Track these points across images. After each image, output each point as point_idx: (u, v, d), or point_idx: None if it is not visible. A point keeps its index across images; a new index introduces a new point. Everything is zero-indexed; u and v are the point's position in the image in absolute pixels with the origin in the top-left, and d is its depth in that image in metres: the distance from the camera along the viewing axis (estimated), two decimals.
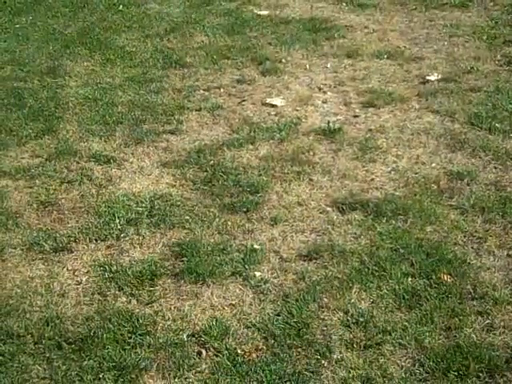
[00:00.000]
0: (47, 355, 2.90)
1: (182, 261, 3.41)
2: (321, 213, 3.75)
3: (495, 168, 4.08)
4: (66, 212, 3.86)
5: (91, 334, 2.98)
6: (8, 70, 5.87)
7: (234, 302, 3.15)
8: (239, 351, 2.87)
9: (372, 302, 3.09)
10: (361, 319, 3.00)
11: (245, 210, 3.78)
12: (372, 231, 3.55)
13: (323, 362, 2.81)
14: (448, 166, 4.11)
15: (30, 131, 4.77)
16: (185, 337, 2.96)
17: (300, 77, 5.47)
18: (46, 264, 3.46)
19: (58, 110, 5.08)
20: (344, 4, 7.12)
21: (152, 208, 3.83)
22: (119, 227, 3.68)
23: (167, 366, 2.83)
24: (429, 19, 6.56)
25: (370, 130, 4.59)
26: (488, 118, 4.57)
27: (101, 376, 2.79)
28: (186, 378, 2.79)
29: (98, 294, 3.24)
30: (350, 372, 2.76)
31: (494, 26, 6.25)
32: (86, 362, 2.85)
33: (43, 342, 2.96)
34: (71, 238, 3.61)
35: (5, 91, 5.41)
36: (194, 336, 2.97)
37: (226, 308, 3.12)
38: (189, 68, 5.74)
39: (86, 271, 3.40)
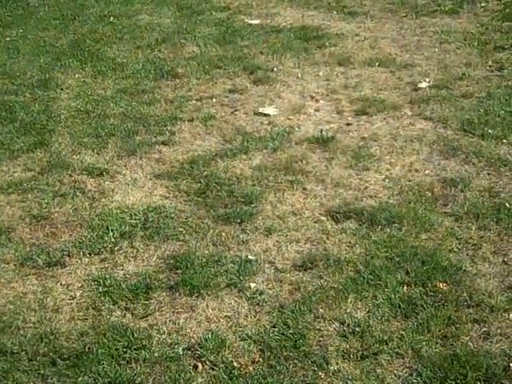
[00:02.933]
0: (42, 372, 2.87)
1: (177, 273, 3.39)
2: (315, 222, 3.74)
3: (488, 174, 4.08)
4: (59, 226, 3.83)
5: (86, 349, 2.95)
6: None
7: (229, 314, 3.13)
8: (235, 364, 2.85)
9: (368, 312, 3.08)
10: (357, 329, 2.98)
11: (239, 220, 3.76)
12: (367, 240, 3.54)
13: (320, 373, 2.79)
14: (441, 173, 4.11)
15: (22, 145, 4.75)
16: (180, 350, 2.93)
17: (292, 85, 5.47)
18: (39, 279, 3.43)
19: (49, 122, 5.07)
20: (335, 12, 7.15)
21: (146, 220, 3.81)
22: (113, 240, 3.65)
23: (163, 380, 2.81)
24: (420, 26, 6.59)
25: (363, 137, 4.59)
26: (480, 124, 4.58)
27: None
28: None
29: (93, 308, 3.21)
30: (347, 383, 2.74)
31: (484, 32, 6.29)
32: (80, 378, 2.82)
33: (37, 358, 2.93)
34: (64, 253, 3.59)
35: None
36: (189, 349, 2.95)
37: (222, 320, 3.10)
38: (181, 78, 5.74)
39: (79, 286, 3.37)
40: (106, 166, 4.42)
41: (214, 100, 5.30)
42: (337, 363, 2.83)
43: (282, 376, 2.78)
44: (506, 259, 3.37)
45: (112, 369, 2.84)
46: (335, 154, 4.41)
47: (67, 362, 2.90)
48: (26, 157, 4.61)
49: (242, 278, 3.33)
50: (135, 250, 3.59)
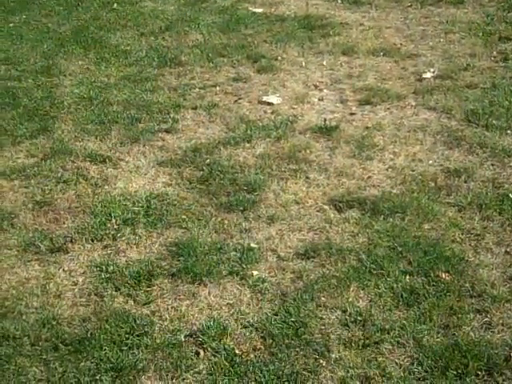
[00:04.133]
0: (44, 357, 2.88)
1: (179, 260, 3.40)
2: (318, 211, 3.73)
3: (492, 165, 4.07)
4: (62, 212, 3.83)
5: (88, 335, 2.96)
6: (2, 69, 5.85)
7: (231, 302, 3.14)
8: (237, 351, 2.86)
9: (370, 301, 3.08)
10: (359, 318, 2.98)
11: (241, 208, 3.76)
12: (369, 229, 3.54)
13: (322, 361, 2.79)
14: (445, 163, 4.10)
15: (25, 131, 4.75)
16: (182, 337, 2.94)
17: (296, 74, 5.45)
18: (41, 265, 3.43)
19: (52, 109, 5.06)
20: (339, 1, 7.11)
21: (148, 207, 3.81)
22: (115, 227, 3.66)
23: (165, 366, 2.81)
24: (424, 16, 6.55)
25: (367, 127, 4.58)
26: (485, 115, 4.56)
27: (98, 377, 2.77)
28: (183, 379, 2.77)
29: (95, 294, 3.22)
30: (348, 371, 2.75)
31: (489, 22, 6.25)
32: (83, 364, 2.83)
33: (40, 343, 2.94)
34: (67, 239, 3.59)
35: None
36: (191, 336, 2.95)
37: (224, 308, 3.11)
38: (184, 66, 5.72)
39: (82, 272, 3.38)
40: (108, 153, 4.42)
41: (218, 88, 5.28)
42: (338, 351, 2.83)
43: (283, 364, 2.79)
44: (508, 250, 3.36)
45: (114, 355, 2.85)
46: (338, 143, 4.40)
47: (69, 347, 2.91)
48: (29, 143, 4.61)
49: (244, 265, 3.33)
50: (138, 237, 3.59)
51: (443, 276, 3.18)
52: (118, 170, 4.25)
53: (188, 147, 4.45)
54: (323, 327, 2.96)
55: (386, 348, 2.84)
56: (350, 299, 3.09)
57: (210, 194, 3.91)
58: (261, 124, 4.68)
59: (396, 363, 2.78)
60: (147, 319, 3.05)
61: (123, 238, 3.58)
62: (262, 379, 2.72)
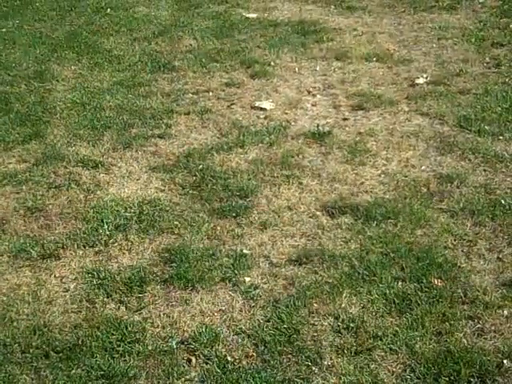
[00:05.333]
0: (34, 364, 2.86)
1: (171, 266, 3.38)
2: (310, 217, 3.73)
3: (484, 171, 4.07)
4: (54, 218, 3.82)
5: (79, 342, 2.94)
6: None
7: (223, 308, 3.13)
8: (229, 358, 2.85)
9: (362, 307, 3.08)
10: (351, 324, 2.98)
11: (234, 214, 3.75)
12: (362, 235, 3.53)
13: (314, 368, 2.78)
14: (438, 169, 4.11)
15: (17, 136, 4.73)
16: (174, 344, 2.93)
17: (289, 80, 5.45)
18: (33, 271, 3.41)
19: (45, 114, 5.04)
20: (333, 7, 7.13)
21: (141, 213, 3.80)
22: (107, 233, 3.64)
23: (156, 374, 2.80)
24: (417, 22, 6.57)
25: (360, 133, 4.58)
26: (477, 121, 4.57)
27: None
28: None
29: (86, 301, 3.20)
30: (340, 378, 2.74)
31: (482, 28, 6.28)
32: (73, 371, 2.81)
33: (30, 350, 2.92)
34: (59, 245, 3.57)
35: None
36: (183, 343, 2.94)
37: (216, 314, 3.10)
38: (177, 71, 5.72)
39: (73, 278, 3.36)
40: (101, 159, 4.40)
41: (211, 93, 5.28)
42: (331, 358, 2.82)
43: (275, 371, 2.78)
44: (500, 256, 3.36)
45: (105, 362, 2.84)
46: (331, 148, 4.40)
47: (60, 354, 2.90)
48: (21, 148, 4.59)
49: (236, 272, 3.32)
50: (130, 243, 3.57)
51: (435, 282, 3.18)
52: (111, 175, 4.24)
53: (181, 153, 4.44)
54: (315, 334, 2.95)
55: (378, 355, 2.83)
56: (343, 306, 3.08)
57: (203, 200, 3.90)
58: (253, 129, 4.68)
59: (388, 370, 2.77)
60: (139, 326, 3.03)
61: (115, 244, 3.57)
62: None
